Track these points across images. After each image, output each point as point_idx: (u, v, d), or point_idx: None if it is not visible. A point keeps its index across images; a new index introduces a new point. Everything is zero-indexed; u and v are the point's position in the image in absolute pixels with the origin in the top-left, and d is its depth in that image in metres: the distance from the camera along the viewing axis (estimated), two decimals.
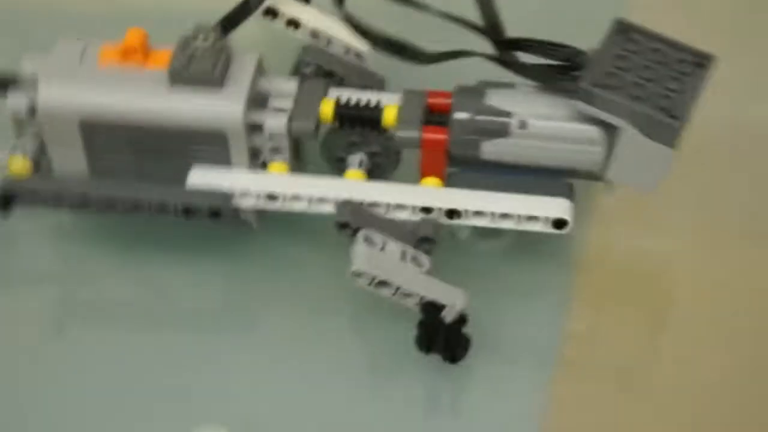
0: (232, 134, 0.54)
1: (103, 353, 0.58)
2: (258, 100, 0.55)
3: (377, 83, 0.58)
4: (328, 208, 0.54)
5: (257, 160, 0.55)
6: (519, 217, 0.54)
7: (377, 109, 0.54)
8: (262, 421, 0.56)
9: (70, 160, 0.55)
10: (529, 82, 0.54)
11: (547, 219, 0.53)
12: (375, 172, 0.56)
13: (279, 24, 0.58)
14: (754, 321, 0.58)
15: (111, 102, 0.54)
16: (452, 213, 0.54)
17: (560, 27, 0.56)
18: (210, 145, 0.54)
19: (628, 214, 0.60)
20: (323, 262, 0.59)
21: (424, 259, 0.54)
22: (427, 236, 0.54)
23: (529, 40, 0.54)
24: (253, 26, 0.58)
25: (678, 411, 0.55)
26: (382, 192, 0.54)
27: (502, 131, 0.53)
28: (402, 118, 0.54)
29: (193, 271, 0.59)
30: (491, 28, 0.54)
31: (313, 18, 0.58)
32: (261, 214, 0.57)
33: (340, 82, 0.57)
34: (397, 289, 0.53)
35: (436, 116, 0.54)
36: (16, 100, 0.55)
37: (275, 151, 0.55)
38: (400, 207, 0.54)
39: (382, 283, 0.53)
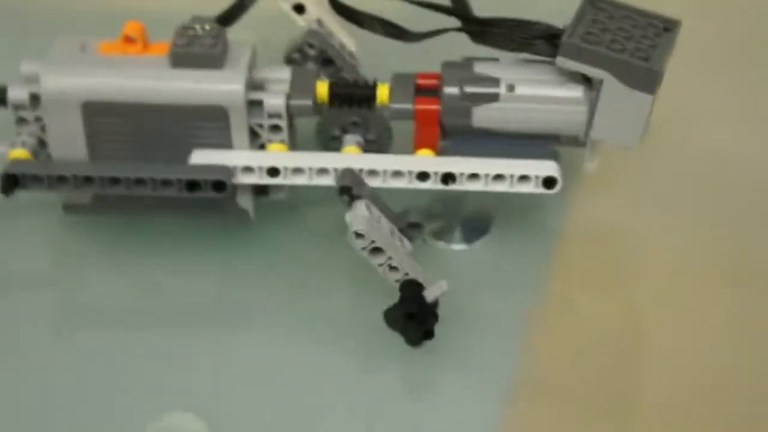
0: (233, 110, 0.56)
1: (101, 352, 0.59)
2: (255, 83, 0.57)
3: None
4: (329, 181, 0.56)
5: (257, 141, 0.57)
6: (511, 178, 0.56)
7: (371, 88, 0.57)
8: (261, 413, 0.56)
9: (71, 148, 0.57)
10: (510, 55, 0.58)
11: (537, 178, 0.56)
12: (369, 150, 0.58)
13: (285, 6, 0.61)
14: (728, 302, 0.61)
15: (113, 82, 0.55)
16: (448, 177, 0.56)
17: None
18: (211, 122, 0.56)
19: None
20: (320, 256, 0.60)
21: (407, 243, 0.56)
22: (416, 222, 0.56)
23: (502, 19, 0.57)
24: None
25: (669, 381, 0.58)
26: (379, 161, 0.57)
27: (491, 96, 0.56)
28: (395, 93, 0.57)
29: (190, 270, 0.61)
30: (461, 10, 0.58)
31: (318, 8, 0.61)
32: (258, 206, 0.59)
33: (335, 73, 0.60)
34: (388, 259, 0.55)
35: (426, 93, 0.58)
36: (18, 92, 0.57)
37: (274, 130, 0.57)
38: (397, 174, 0.56)
39: (377, 250, 0.55)
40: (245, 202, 0.58)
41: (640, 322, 0.60)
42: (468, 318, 0.59)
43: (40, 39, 0.59)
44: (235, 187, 0.57)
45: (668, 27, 0.56)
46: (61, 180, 0.56)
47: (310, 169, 0.56)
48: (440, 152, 0.58)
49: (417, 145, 0.57)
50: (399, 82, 0.57)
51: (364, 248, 0.55)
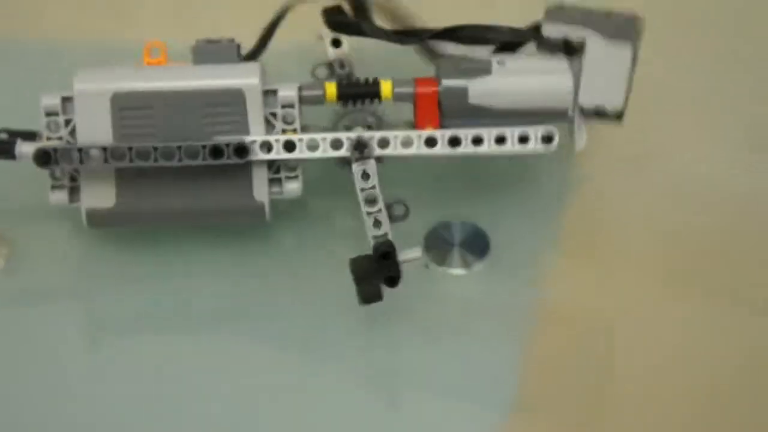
0: (250, 94, 0.60)
1: (126, 362, 0.60)
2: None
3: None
4: (344, 152, 0.60)
5: (272, 132, 0.61)
6: (512, 137, 0.61)
7: (375, 84, 0.63)
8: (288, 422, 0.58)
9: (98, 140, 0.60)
10: None
11: (536, 136, 0.61)
12: None
13: (325, 37, 0.67)
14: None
15: (140, 74, 0.60)
16: (454, 141, 0.61)
17: None
18: (230, 107, 0.60)
19: None
20: (335, 263, 0.62)
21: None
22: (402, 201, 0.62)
23: (465, 27, 0.63)
24: None
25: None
26: (390, 133, 0.61)
27: (485, 69, 0.62)
28: (397, 84, 0.62)
29: (211, 279, 0.63)
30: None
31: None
32: (274, 206, 0.62)
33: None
34: (377, 211, 0.59)
35: None
36: (50, 98, 0.61)
37: (287, 122, 0.61)
38: (407, 142, 0.61)
39: (373, 200, 0.59)
40: (262, 194, 0.61)
41: (637, 336, 0.62)
42: (464, 338, 0.61)
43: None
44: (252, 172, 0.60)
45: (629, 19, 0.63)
46: (91, 156, 0.59)
47: (324, 140, 0.60)
48: None
49: (419, 127, 0.62)
50: (398, 80, 0.63)
51: (364, 189, 0.59)
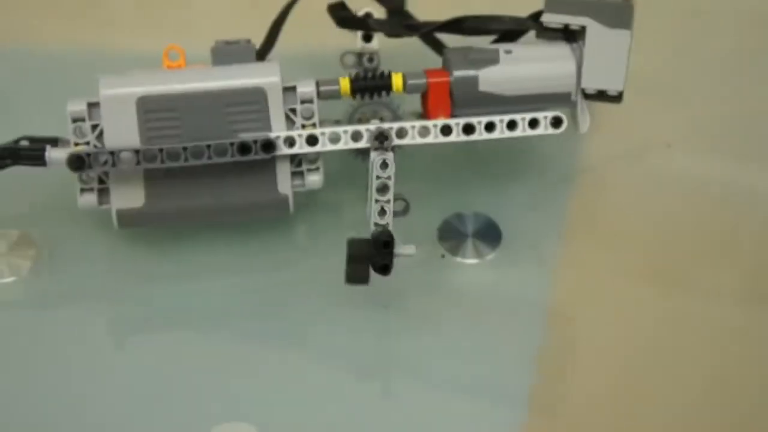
0: (271, 91, 0.63)
1: (156, 363, 0.62)
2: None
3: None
4: (364, 144, 0.63)
5: (292, 126, 0.64)
6: (523, 122, 0.64)
7: (387, 78, 0.65)
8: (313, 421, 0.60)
9: (126, 144, 0.62)
10: None
11: (546, 119, 0.64)
12: None
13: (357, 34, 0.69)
14: None
15: (164, 77, 0.63)
16: (468, 128, 0.64)
17: None
18: (252, 105, 0.62)
19: None
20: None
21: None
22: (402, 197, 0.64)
23: (468, 17, 0.66)
24: None
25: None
26: (407, 123, 0.64)
27: (493, 59, 0.65)
28: (409, 76, 0.65)
29: (239, 279, 0.65)
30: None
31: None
32: (297, 200, 0.64)
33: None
34: (386, 201, 0.62)
35: None
36: (76, 104, 0.63)
37: (306, 117, 0.64)
38: (424, 130, 0.64)
39: (386, 188, 0.62)
40: (285, 187, 0.64)
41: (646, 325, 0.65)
42: (479, 327, 0.64)
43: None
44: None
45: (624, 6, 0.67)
46: (124, 158, 0.61)
47: (345, 132, 0.63)
48: None
49: (432, 116, 0.65)
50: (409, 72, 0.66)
51: (380, 177, 0.61)
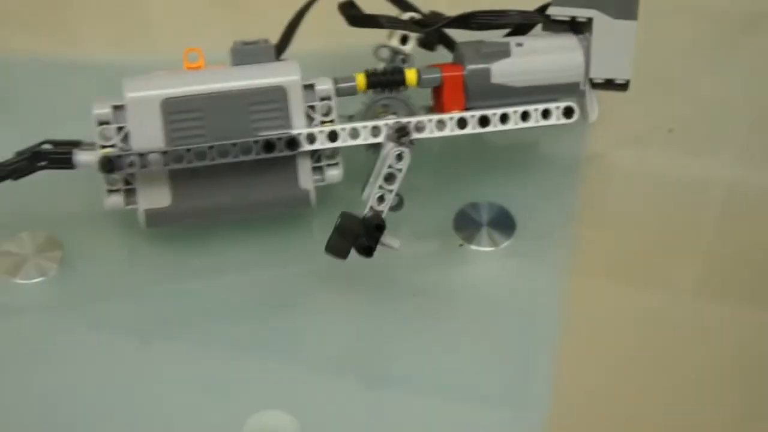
0: (292, 89, 0.64)
1: (186, 358, 0.64)
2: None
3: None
4: (382, 138, 0.65)
5: (311, 123, 0.65)
6: (536, 112, 0.66)
7: (400, 73, 0.67)
8: (351, 410, 0.62)
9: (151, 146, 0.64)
10: None
11: (558, 109, 0.66)
12: None
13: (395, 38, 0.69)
14: None
15: (187, 79, 0.64)
16: (483, 120, 0.66)
17: None
18: (273, 104, 0.64)
19: None
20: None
21: None
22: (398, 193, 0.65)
23: (477, 13, 0.68)
24: None
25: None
26: (424, 117, 0.66)
27: (504, 52, 0.67)
28: (423, 71, 0.67)
29: (264, 272, 0.67)
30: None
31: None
32: (319, 195, 0.66)
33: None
34: (389, 191, 0.64)
35: None
36: (101, 108, 0.64)
37: (325, 113, 0.65)
38: (441, 123, 0.66)
39: (392, 180, 0.63)
40: (307, 183, 0.65)
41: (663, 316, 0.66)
42: (495, 316, 0.66)
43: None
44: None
45: None
46: (153, 160, 0.63)
47: (365, 128, 0.65)
48: None
49: (446, 109, 0.67)
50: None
51: (391, 167, 0.63)
